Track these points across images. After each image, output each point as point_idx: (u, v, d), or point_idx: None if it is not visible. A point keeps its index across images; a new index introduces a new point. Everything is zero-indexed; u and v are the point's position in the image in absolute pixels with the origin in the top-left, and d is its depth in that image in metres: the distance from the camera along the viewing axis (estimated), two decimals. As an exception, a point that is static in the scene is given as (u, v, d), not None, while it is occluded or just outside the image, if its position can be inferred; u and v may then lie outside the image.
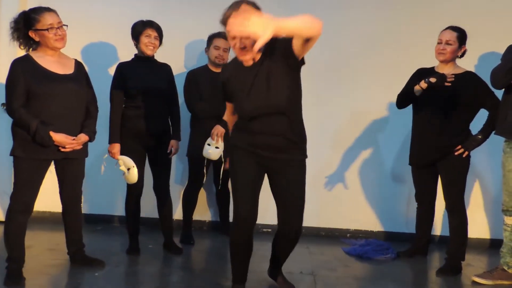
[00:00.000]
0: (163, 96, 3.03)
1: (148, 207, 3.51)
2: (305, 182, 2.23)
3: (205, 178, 3.40)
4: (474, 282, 2.78)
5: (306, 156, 2.24)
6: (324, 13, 3.64)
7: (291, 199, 2.19)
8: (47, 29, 2.45)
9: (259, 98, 2.09)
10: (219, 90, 2.35)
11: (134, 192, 3.04)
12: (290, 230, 2.22)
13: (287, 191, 2.19)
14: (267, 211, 3.03)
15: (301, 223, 2.22)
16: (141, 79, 2.96)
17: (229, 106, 2.35)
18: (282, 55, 2.07)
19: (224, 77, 2.25)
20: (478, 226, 3.58)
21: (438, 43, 2.94)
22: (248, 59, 2.09)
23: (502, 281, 2.75)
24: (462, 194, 2.95)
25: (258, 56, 2.11)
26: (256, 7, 2.07)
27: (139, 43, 2.98)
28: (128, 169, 2.86)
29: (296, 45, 2.01)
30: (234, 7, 2.05)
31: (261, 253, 2.89)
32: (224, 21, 2.06)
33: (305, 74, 3.67)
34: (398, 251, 3.27)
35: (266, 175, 2.27)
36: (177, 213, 3.65)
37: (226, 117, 2.42)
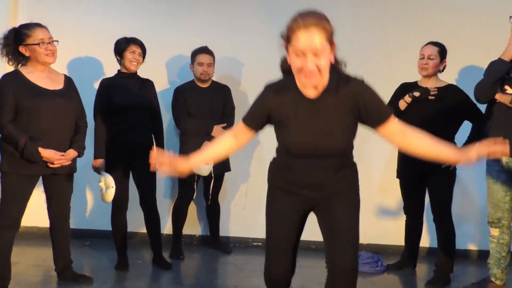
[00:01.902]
0: (147, 111, 3.05)
1: (137, 221, 3.49)
2: (358, 217, 1.83)
3: (195, 194, 3.40)
4: (463, 294, 2.80)
5: (358, 188, 1.87)
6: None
7: (342, 234, 1.74)
8: (38, 44, 2.47)
9: (316, 137, 1.70)
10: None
11: (119, 206, 3.02)
12: (342, 271, 1.72)
13: (337, 226, 1.75)
14: (257, 224, 3.04)
15: (356, 262, 1.76)
16: (125, 95, 2.98)
17: (243, 130, 1.81)
18: (355, 108, 1.68)
19: (271, 103, 1.73)
20: (465, 238, 3.62)
21: (421, 59, 3.02)
22: (315, 84, 1.62)
23: (490, 292, 2.78)
24: (449, 206, 3.00)
25: (322, 86, 1.66)
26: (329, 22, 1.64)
27: (123, 59, 3.00)
28: (107, 188, 2.86)
29: (379, 130, 1.70)
30: (304, 17, 1.58)
31: (250, 268, 2.89)
32: (289, 34, 1.60)
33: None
34: (387, 264, 3.28)
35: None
36: (167, 228, 3.63)
37: (226, 137, 1.90)
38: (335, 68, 1.69)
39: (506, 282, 2.81)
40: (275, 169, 1.86)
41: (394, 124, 1.68)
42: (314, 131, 1.69)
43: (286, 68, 1.72)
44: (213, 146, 1.91)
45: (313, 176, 1.75)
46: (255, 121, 1.78)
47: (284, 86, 1.72)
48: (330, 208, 1.76)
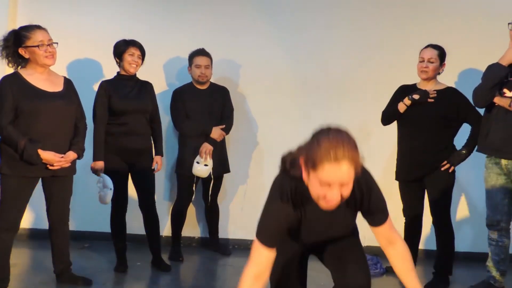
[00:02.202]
0: (146, 113, 3.05)
1: (136, 223, 3.49)
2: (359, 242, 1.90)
3: (193, 195, 3.40)
4: (462, 296, 2.80)
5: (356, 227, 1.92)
6: (312, 33, 3.75)
7: (350, 255, 1.80)
8: (37, 46, 2.47)
9: (325, 234, 1.78)
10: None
11: (118, 208, 3.03)
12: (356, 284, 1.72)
13: (344, 251, 1.81)
14: (256, 225, 3.04)
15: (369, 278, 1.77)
16: (124, 97, 2.98)
17: (264, 253, 1.64)
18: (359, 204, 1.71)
19: (287, 216, 1.66)
20: (464, 240, 3.62)
21: (420, 62, 3.02)
22: (333, 208, 1.56)
23: (489, 295, 2.78)
24: (448, 209, 3.00)
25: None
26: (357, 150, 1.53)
27: (122, 61, 3.01)
28: (106, 189, 2.86)
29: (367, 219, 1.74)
30: (335, 148, 1.46)
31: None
32: (316, 162, 1.46)
33: (292, 90, 3.78)
34: (386, 266, 3.28)
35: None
36: (166, 230, 3.63)
37: (258, 271, 1.65)
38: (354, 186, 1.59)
39: (505, 285, 2.81)
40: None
41: (386, 230, 1.73)
42: (323, 230, 1.72)
43: (294, 174, 1.60)
44: None
45: (319, 246, 1.84)
46: (274, 238, 1.64)
47: (298, 197, 1.62)
48: (333, 247, 1.83)
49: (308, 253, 1.92)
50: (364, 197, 1.66)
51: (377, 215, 1.70)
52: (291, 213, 1.63)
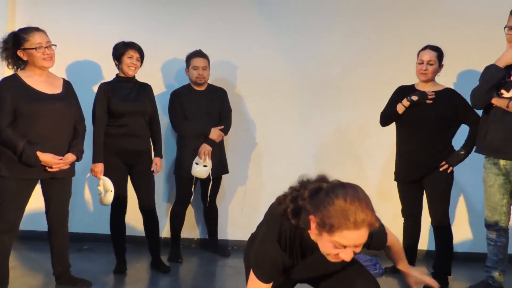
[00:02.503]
0: (145, 115, 3.06)
1: (135, 225, 3.49)
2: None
3: (192, 196, 3.41)
4: (460, 296, 2.81)
5: None
6: (310, 34, 3.76)
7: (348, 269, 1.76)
8: (35, 48, 2.47)
9: (319, 271, 1.74)
10: None
11: (118, 210, 3.03)
12: None
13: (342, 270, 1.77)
14: (255, 227, 3.04)
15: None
16: (123, 99, 2.98)
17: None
18: None
19: (282, 260, 1.63)
20: (463, 241, 3.63)
21: (419, 64, 3.02)
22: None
23: (488, 295, 2.78)
24: (447, 209, 3.01)
25: None
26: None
27: (121, 63, 3.01)
28: (106, 191, 2.86)
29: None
30: (355, 213, 1.41)
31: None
32: (334, 226, 1.41)
33: (290, 91, 3.79)
34: (385, 266, 3.28)
35: None
36: (165, 231, 3.63)
37: None
38: None
39: (504, 285, 2.82)
40: None
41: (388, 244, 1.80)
42: (322, 265, 1.64)
43: (296, 224, 1.55)
44: None
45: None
46: (271, 276, 1.62)
47: (297, 240, 1.59)
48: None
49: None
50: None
51: (378, 245, 1.75)
52: (286, 260, 1.61)
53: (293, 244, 1.59)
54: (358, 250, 1.46)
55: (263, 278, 1.61)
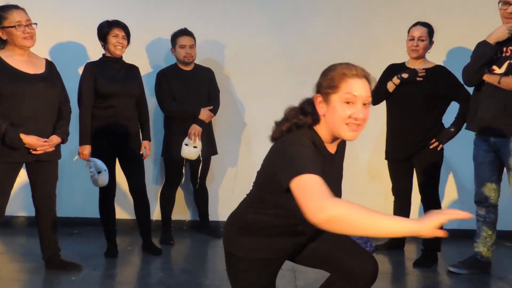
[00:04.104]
0: (133, 97, 2.99)
1: (126, 209, 3.46)
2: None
3: (183, 178, 3.38)
4: (450, 272, 2.85)
5: None
6: (299, 13, 3.69)
7: (342, 246, 1.70)
8: (14, 26, 2.38)
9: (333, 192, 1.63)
10: None
11: (107, 194, 2.99)
12: (375, 269, 1.66)
13: (335, 245, 1.71)
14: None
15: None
16: (110, 80, 2.91)
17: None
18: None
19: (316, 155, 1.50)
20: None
21: (410, 40, 2.99)
22: (356, 137, 1.53)
23: (476, 270, 2.83)
24: (436, 187, 3.03)
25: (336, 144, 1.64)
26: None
27: (107, 43, 2.93)
28: (99, 172, 2.81)
29: None
30: (355, 66, 1.55)
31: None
32: (337, 81, 1.50)
33: (279, 71, 3.73)
34: (376, 244, 3.31)
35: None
36: (156, 214, 3.61)
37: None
38: None
39: (492, 260, 2.86)
40: (262, 240, 1.63)
41: None
42: (333, 187, 1.47)
43: (301, 123, 1.55)
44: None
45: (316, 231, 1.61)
46: (318, 168, 1.38)
47: (315, 142, 1.53)
48: (309, 246, 1.71)
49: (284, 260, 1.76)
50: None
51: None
52: (317, 158, 1.46)
53: (318, 144, 1.54)
54: (367, 110, 1.50)
55: (314, 170, 1.33)
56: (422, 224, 1.18)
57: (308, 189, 1.29)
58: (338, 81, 1.50)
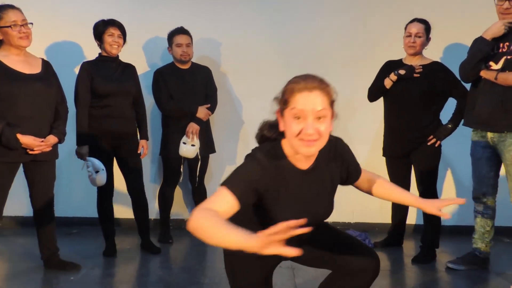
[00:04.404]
0: (129, 96, 2.99)
1: (124, 208, 3.46)
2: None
3: (181, 177, 3.38)
4: (448, 268, 2.85)
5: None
6: (296, 10, 3.68)
7: (347, 240, 1.73)
8: (10, 26, 2.38)
9: (309, 210, 1.57)
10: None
11: (105, 193, 2.99)
12: (368, 266, 1.65)
13: (335, 244, 1.70)
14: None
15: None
16: (107, 79, 2.90)
17: (230, 200, 1.43)
18: (342, 171, 1.66)
19: (259, 178, 1.48)
20: (450, 214, 3.67)
21: (407, 36, 2.99)
22: (313, 153, 1.48)
23: (474, 266, 2.83)
24: (434, 183, 3.03)
25: (314, 156, 1.55)
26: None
27: (103, 43, 2.92)
28: (97, 172, 2.81)
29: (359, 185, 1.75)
30: (306, 79, 1.46)
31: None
32: (287, 96, 1.45)
33: (276, 68, 3.73)
34: (374, 241, 3.32)
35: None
36: (154, 213, 3.61)
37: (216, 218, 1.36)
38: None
39: (490, 256, 2.87)
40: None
41: (364, 174, 1.75)
42: (307, 205, 1.56)
43: (268, 135, 1.57)
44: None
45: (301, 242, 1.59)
46: (243, 196, 1.43)
47: (272, 157, 1.49)
48: (312, 246, 1.68)
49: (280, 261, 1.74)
50: (339, 155, 1.64)
51: (355, 171, 1.71)
52: (263, 180, 1.47)
53: (277, 159, 1.50)
54: (321, 126, 1.41)
55: (234, 188, 1.42)
56: (250, 240, 1.15)
57: (208, 199, 1.42)
58: (287, 96, 1.44)
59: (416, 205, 1.68)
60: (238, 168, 1.51)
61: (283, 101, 1.46)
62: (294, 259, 1.74)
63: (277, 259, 1.74)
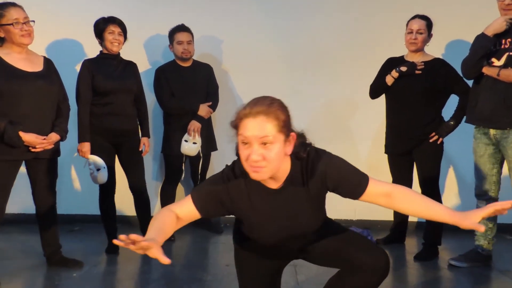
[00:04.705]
0: (131, 93, 2.99)
1: (126, 205, 3.46)
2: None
3: (183, 175, 3.38)
4: (451, 266, 2.85)
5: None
6: (298, 8, 3.68)
7: (353, 239, 1.69)
8: (12, 24, 2.38)
9: (284, 228, 1.59)
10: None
11: (107, 191, 2.99)
12: (378, 264, 1.60)
13: (343, 244, 1.67)
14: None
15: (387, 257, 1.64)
16: (108, 77, 2.90)
17: (191, 210, 1.56)
18: (325, 189, 1.59)
19: (223, 193, 1.56)
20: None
21: (409, 33, 2.98)
22: (262, 178, 1.48)
23: (477, 263, 2.83)
24: (437, 181, 3.02)
25: (282, 177, 1.54)
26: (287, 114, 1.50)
27: (104, 40, 2.92)
28: (98, 169, 2.81)
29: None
30: (254, 104, 1.46)
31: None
32: (237, 122, 1.47)
33: (278, 66, 3.73)
34: (377, 239, 3.32)
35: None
36: (156, 210, 3.62)
37: (169, 214, 1.58)
38: (298, 157, 1.53)
39: (493, 253, 2.87)
40: (241, 235, 1.69)
41: (374, 190, 1.54)
42: (281, 221, 1.57)
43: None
44: (165, 230, 1.53)
45: (290, 252, 1.68)
46: (212, 213, 1.57)
47: (242, 175, 1.54)
48: (321, 245, 1.67)
49: (285, 264, 1.78)
50: (318, 173, 1.53)
51: (351, 187, 1.54)
52: (226, 193, 1.54)
53: (243, 177, 1.54)
54: (268, 153, 1.41)
55: (198, 200, 1.53)
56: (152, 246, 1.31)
57: (178, 201, 1.60)
58: (237, 122, 1.46)
59: (451, 222, 1.49)
60: (211, 177, 1.62)
61: (234, 126, 1.48)
62: (304, 257, 1.75)
63: (286, 258, 1.75)
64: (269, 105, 1.44)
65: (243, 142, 1.44)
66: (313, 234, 1.65)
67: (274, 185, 1.55)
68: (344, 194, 1.57)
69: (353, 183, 1.54)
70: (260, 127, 1.41)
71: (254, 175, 1.45)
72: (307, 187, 1.55)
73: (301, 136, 1.55)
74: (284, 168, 1.51)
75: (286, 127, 1.46)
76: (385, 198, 1.54)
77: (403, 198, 1.54)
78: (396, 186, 1.56)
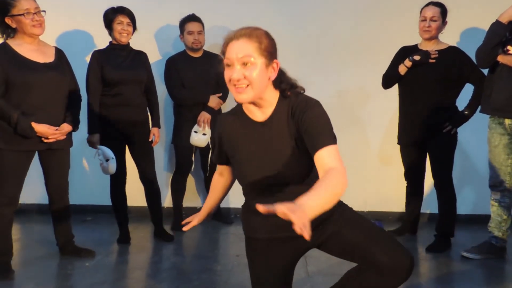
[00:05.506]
0: (141, 83, 2.98)
1: (137, 196, 3.49)
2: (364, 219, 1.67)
3: (193, 166, 3.38)
4: (463, 257, 2.82)
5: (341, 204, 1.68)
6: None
7: (374, 234, 1.59)
8: (23, 14, 2.38)
9: (267, 164, 1.55)
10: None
11: (117, 181, 3.01)
12: (400, 270, 1.53)
13: (366, 240, 1.57)
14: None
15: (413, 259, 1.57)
16: (117, 67, 2.90)
17: (223, 168, 1.76)
18: (298, 129, 1.53)
19: (221, 132, 1.65)
20: (466, 203, 3.62)
21: (422, 20, 2.92)
22: (246, 99, 1.49)
23: (490, 255, 2.79)
24: (450, 171, 2.98)
25: (269, 109, 1.56)
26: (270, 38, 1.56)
27: (113, 31, 2.91)
28: (107, 160, 2.82)
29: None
30: (239, 29, 1.53)
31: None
32: (223, 47, 1.54)
33: (291, 55, 3.68)
34: (388, 230, 3.29)
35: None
36: (167, 201, 3.63)
37: (215, 178, 1.83)
38: (284, 95, 1.56)
39: (507, 245, 2.82)
40: (247, 215, 1.67)
41: (325, 157, 1.41)
42: (264, 157, 1.55)
43: None
44: (212, 193, 1.86)
45: (304, 241, 1.49)
46: (222, 157, 1.70)
47: (232, 112, 1.65)
48: (338, 234, 1.59)
49: (300, 253, 1.69)
50: (298, 111, 1.51)
51: (313, 137, 1.46)
52: (225, 127, 1.63)
53: (234, 113, 1.63)
54: (248, 72, 1.46)
55: (214, 155, 1.74)
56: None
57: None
58: (224, 48, 1.53)
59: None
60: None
61: (222, 52, 1.54)
62: (321, 247, 1.67)
63: (301, 249, 1.67)
64: (254, 29, 1.52)
65: (227, 64, 1.50)
66: (296, 187, 1.53)
67: (260, 117, 1.58)
68: (307, 143, 1.48)
69: (318, 136, 1.46)
70: (241, 47, 1.47)
71: (238, 97, 1.50)
72: (291, 125, 1.54)
73: (293, 86, 1.60)
74: (269, 99, 1.54)
75: (268, 51, 1.50)
76: (322, 173, 1.41)
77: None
78: (335, 170, 1.37)
